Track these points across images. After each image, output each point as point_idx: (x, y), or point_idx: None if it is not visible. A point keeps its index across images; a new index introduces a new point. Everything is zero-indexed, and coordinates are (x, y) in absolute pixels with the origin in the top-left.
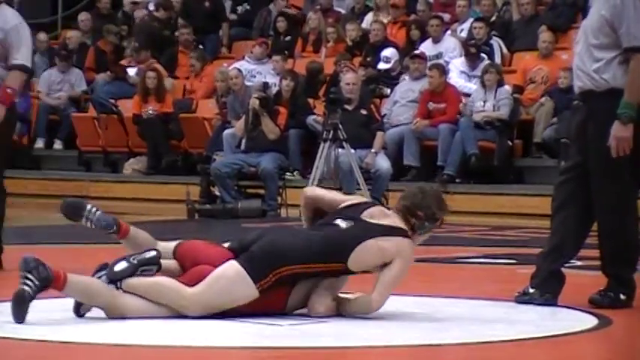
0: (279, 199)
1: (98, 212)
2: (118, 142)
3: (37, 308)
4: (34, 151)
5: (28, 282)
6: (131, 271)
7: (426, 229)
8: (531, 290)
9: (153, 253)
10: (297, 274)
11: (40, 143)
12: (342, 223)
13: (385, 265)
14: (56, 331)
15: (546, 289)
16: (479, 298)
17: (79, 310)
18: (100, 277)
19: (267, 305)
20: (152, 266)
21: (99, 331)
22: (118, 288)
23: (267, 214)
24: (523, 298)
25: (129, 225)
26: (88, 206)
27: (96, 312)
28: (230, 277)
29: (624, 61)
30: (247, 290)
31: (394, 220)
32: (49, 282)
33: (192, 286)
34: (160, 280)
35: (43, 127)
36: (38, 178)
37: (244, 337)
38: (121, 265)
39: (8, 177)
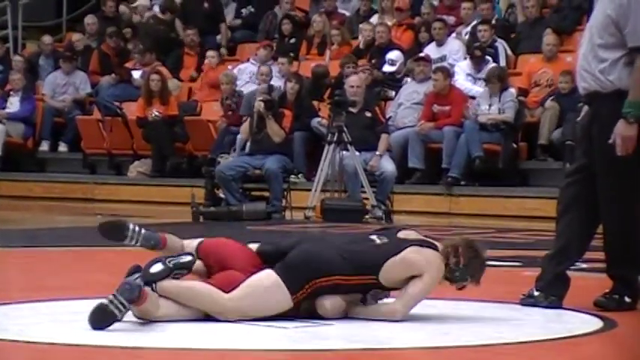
0: (283, 201)
1: (143, 231)
2: (123, 145)
3: (46, 311)
4: (38, 154)
5: (119, 305)
6: (166, 274)
7: (454, 277)
8: (536, 293)
9: (189, 258)
10: (332, 285)
11: (44, 146)
12: (377, 239)
13: (414, 277)
14: (64, 333)
15: (551, 292)
16: (484, 300)
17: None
18: (135, 279)
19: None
20: (185, 271)
21: (107, 333)
22: (153, 290)
23: (271, 217)
24: (528, 301)
25: (165, 235)
26: (131, 225)
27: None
28: (268, 287)
29: (630, 62)
30: (283, 301)
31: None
32: (133, 302)
33: (226, 292)
34: (195, 285)
35: (48, 129)
36: (43, 180)
37: (251, 340)
38: (157, 268)
39: (13, 180)
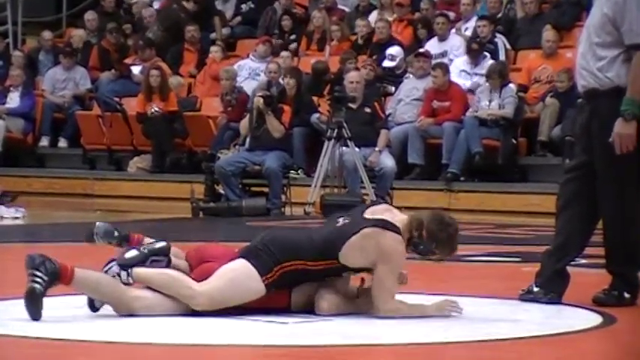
0: (283, 197)
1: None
2: (123, 141)
3: (46, 306)
4: (38, 150)
5: (37, 278)
6: (141, 259)
7: (419, 250)
8: (535, 289)
9: (163, 244)
10: (300, 270)
11: (44, 141)
12: (340, 220)
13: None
14: (64, 329)
15: (551, 288)
16: (483, 296)
17: (94, 304)
18: (110, 268)
19: (271, 303)
20: (162, 257)
21: (106, 328)
22: (128, 275)
23: (271, 213)
24: (527, 297)
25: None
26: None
27: (108, 309)
28: (237, 271)
29: (628, 60)
30: (254, 285)
31: (395, 219)
32: (57, 276)
33: (200, 281)
34: (169, 270)
35: (48, 125)
36: (43, 176)
37: (249, 335)
38: (132, 253)
39: (13, 175)
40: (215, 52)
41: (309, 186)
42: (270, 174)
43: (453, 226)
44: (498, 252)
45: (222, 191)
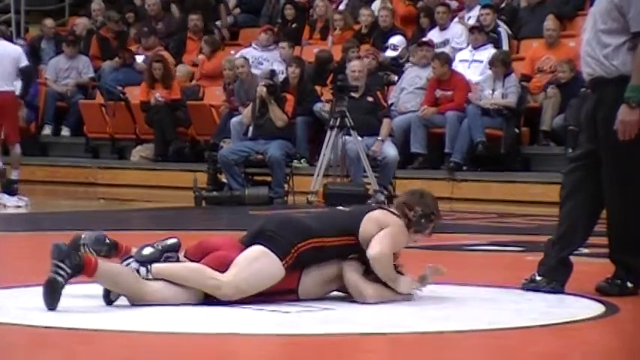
0: (286, 186)
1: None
2: (126, 129)
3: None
4: (41, 138)
5: (60, 270)
6: (157, 256)
7: (421, 226)
8: (538, 278)
9: (174, 240)
10: (316, 248)
11: (47, 130)
12: (344, 208)
13: None
14: (66, 317)
15: (554, 277)
16: (486, 285)
17: (109, 297)
18: (128, 264)
19: (282, 284)
20: (173, 253)
21: (108, 317)
22: (147, 271)
23: (274, 202)
24: (530, 286)
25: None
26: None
27: (123, 300)
28: (260, 260)
29: (633, 47)
30: (277, 269)
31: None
32: (80, 269)
33: (221, 271)
34: (189, 264)
35: (51, 114)
36: (46, 164)
37: (253, 324)
38: (148, 250)
39: None
40: (204, 46)
41: (312, 175)
42: (272, 163)
43: (426, 191)
44: (501, 241)
45: (224, 180)
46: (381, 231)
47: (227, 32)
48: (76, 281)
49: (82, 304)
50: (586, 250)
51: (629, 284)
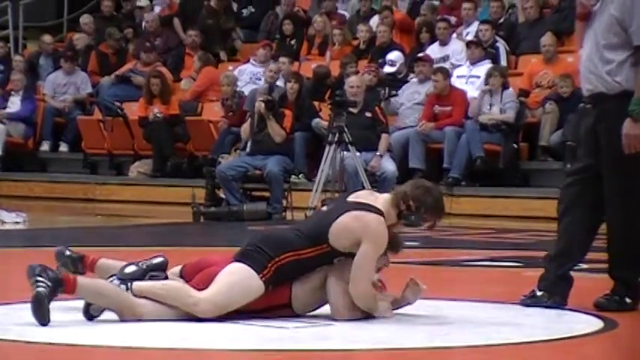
0: (284, 201)
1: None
2: (124, 145)
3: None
4: (39, 154)
5: (40, 283)
6: (140, 274)
7: (410, 221)
8: (539, 293)
9: (160, 259)
10: (293, 261)
11: (45, 146)
12: (324, 208)
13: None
14: (64, 333)
15: (555, 292)
16: (484, 300)
17: (89, 312)
18: (111, 282)
19: (273, 301)
20: (159, 272)
21: (105, 333)
22: (127, 289)
23: (272, 217)
24: (530, 301)
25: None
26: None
27: (106, 315)
28: (234, 273)
29: (636, 63)
30: (253, 283)
31: (379, 201)
32: (59, 282)
33: (202, 289)
34: (169, 282)
35: (49, 129)
36: (44, 180)
37: (250, 340)
38: (131, 268)
39: (14, 180)
40: (195, 61)
41: (310, 190)
42: (271, 178)
43: (436, 189)
44: (500, 257)
45: (223, 196)
46: (357, 252)
47: (225, 55)
48: (70, 297)
49: (79, 320)
50: (585, 266)
51: (628, 300)
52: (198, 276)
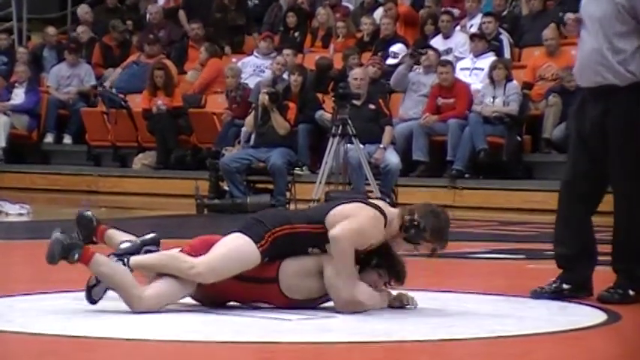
0: (287, 194)
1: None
2: (128, 137)
3: (49, 304)
4: (43, 146)
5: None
6: (135, 249)
7: (409, 234)
8: (566, 286)
9: (153, 234)
10: (290, 234)
11: (49, 138)
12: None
13: None
14: (68, 325)
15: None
16: (487, 293)
17: (91, 295)
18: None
19: (262, 272)
20: (154, 247)
21: (110, 325)
22: (124, 264)
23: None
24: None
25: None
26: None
27: (111, 306)
28: (233, 241)
29: None
30: (251, 252)
31: (389, 209)
32: (79, 245)
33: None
34: (166, 252)
35: (53, 121)
36: (47, 172)
37: (253, 332)
38: (126, 244)
39: (18, 171)
40: (201, 53)
41: (314, 183)
42: (274, 171)
43: (445, 216)
44: (503, 249)
45: (226, 188)
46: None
47: (230, 49)
48: (78, 289)
49: (83, 311)
50: None
51: (631, 292)
52: (196, 244)
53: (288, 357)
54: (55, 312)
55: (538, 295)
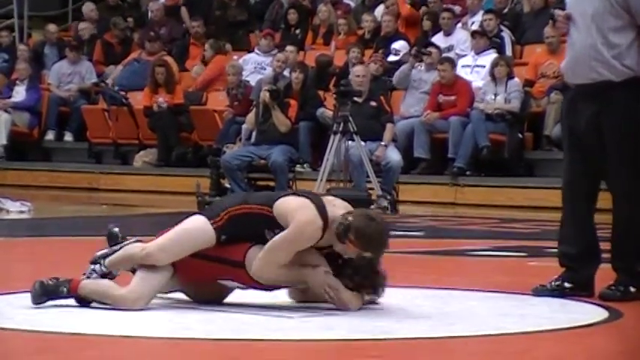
0: (288, 191)
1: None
2: (129, 134)
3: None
4: (44, 143)
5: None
6: (111, 251)
7: (338, 231)
8: (568, 285)
9: (133, 239)
10: (245, 214)
11: (50, 135)
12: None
13: None
14: (71, 322)
15: (587, 288)
16: (488, 290)
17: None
18: (89, 271)
19: (229, 253)
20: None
21: (108, 322)
22: (101, 266)
23: None
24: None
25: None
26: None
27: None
28: (187, 223)
29: None
30: (204, 229)
31: (336, 209)
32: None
33: None
34: (128, 246)
35: (54, 119)
36: (48, 170)
37: (257, 330)
38: (101, 251)
39: (19, 169)
40: (206, 50)
41: (315, 180)
42: (276, 168)
43: (379, 223)
44: (504, 246)
45: (228, 185)
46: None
47: (230, 46)
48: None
49: (85, 309)
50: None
51: (632, 289)
52: (162, 232)
53: (290, 355)
54: (56, 309)
55: (539, 292)
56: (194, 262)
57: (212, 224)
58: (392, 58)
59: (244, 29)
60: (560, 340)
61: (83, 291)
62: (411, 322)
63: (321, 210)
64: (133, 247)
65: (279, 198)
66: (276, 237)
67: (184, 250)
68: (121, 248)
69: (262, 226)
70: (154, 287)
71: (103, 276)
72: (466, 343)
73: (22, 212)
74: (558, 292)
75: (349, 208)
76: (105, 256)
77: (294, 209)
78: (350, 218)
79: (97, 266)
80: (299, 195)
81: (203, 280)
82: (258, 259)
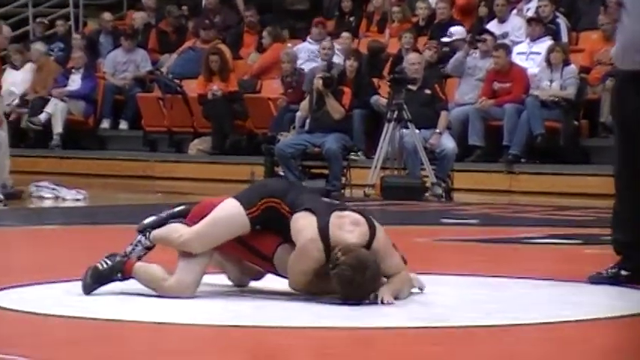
0: (343, 179)
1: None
2: (183, 123)
3: (108, 288)
4: (99, 132)
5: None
6: (158, 223)
7: (331, 258)
8: (624, 272)
9: (182, 207)
10: (279, 209)
11: (105, 124)
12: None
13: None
14: (119, 309)
15: None
16: (544, 278)
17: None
18: (135, 240)
19: (259, 244)
20: (180, 219)
21: (140, 308)
22: (146, 238)
23: (330, 194)
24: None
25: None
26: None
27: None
28: (220, 208)
29: None
30: (239, 218)
31: (355, 233)
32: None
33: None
34: (169, 225)
35: (109, 107)
36: (104, 158)
37: (304, 317)
38: (150, 218)
39: (74, 157)
40: (264, 37)
41: (369, 168)
42: (330, 156)
43: (364, 272)
44: (559, 234)
45: (281, 173)
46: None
47: (287, 34)
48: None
49: (142, 296)
50: None
51: None
52: (195, 212)
53: (343, 342)
54: (112, 296)
55: (596, 280)
56: (229, 242)
57: (248, 214)
58: (444, 39)
59: (306, 18)
60: (619, 328)
61: (135, 274)
62: (467, 310)
63: (323, 232)
64: (172, 232)
65: (299, 211)
66: (290, 256)
67: (218, 240)
68: (167, 220)
69: (287, 228)
70: (197, 274)
71: (148, 248)
72: (523, 331)
73: (77, 200)
74: (615, 280)
75: (358, 223)
76: (151, 226)
77: (299, 231)
78: (341, 250)
79: (143, 238)
80: (313, 212)
81: (238, 256)
82: (288, 272)
